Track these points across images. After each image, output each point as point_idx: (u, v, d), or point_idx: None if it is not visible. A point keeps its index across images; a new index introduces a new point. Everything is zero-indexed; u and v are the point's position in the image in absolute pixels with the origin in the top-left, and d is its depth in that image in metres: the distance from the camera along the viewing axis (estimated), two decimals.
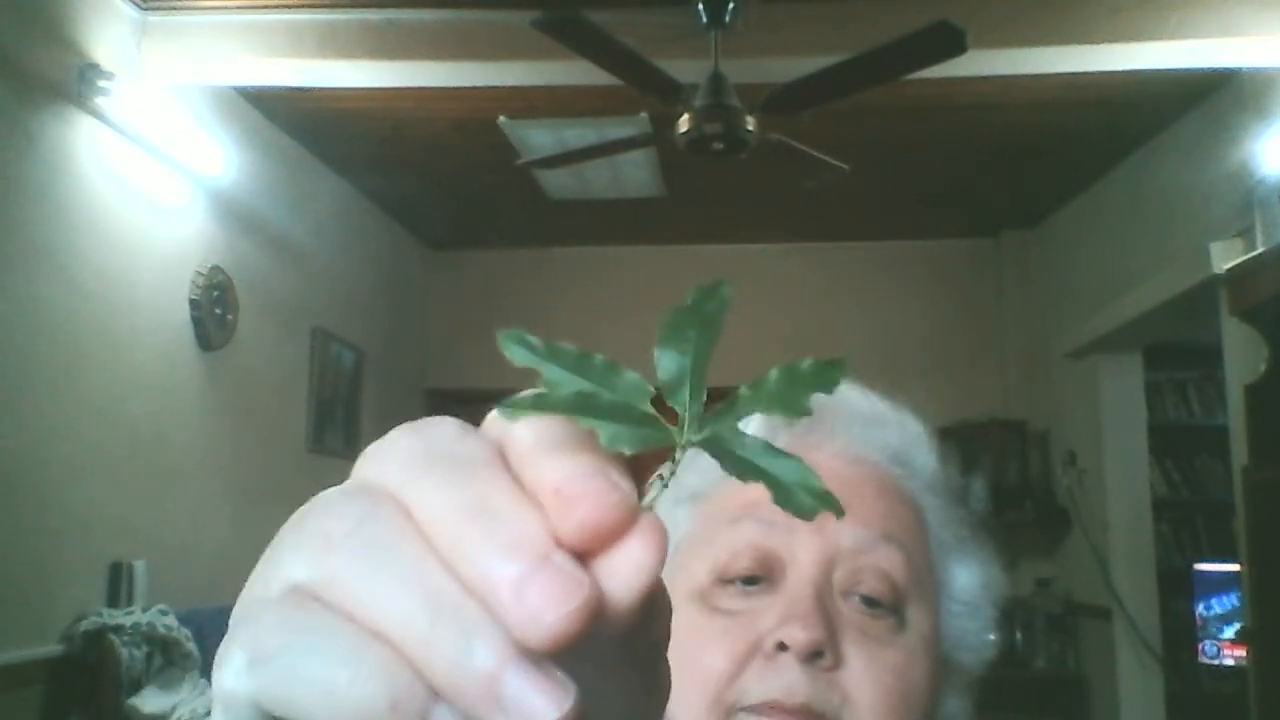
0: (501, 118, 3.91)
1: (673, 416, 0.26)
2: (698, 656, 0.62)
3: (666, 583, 0.71)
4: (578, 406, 0.24)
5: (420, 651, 0.21)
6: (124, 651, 2.83)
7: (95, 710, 2.77)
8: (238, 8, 3.19)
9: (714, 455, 0.25)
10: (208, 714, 0.27)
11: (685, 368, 0.26)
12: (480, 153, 4.27)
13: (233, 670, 0.23)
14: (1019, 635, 4.80)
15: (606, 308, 5.43)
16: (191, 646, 3.01)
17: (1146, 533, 4.58)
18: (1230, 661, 4.30)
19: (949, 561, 0.68)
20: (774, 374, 0.26)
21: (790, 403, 0.26)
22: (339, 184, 4.69)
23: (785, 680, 0.58)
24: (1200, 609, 4.49)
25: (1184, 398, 5.45)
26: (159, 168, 3.30)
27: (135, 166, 3.19)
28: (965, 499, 0.71)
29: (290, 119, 4.04)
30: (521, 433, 0.24)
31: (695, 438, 0.25)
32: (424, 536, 0.23)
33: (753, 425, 0.70)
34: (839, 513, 0.25)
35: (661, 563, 0.23)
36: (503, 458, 0.24)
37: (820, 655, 0.59)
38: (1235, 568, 3.57)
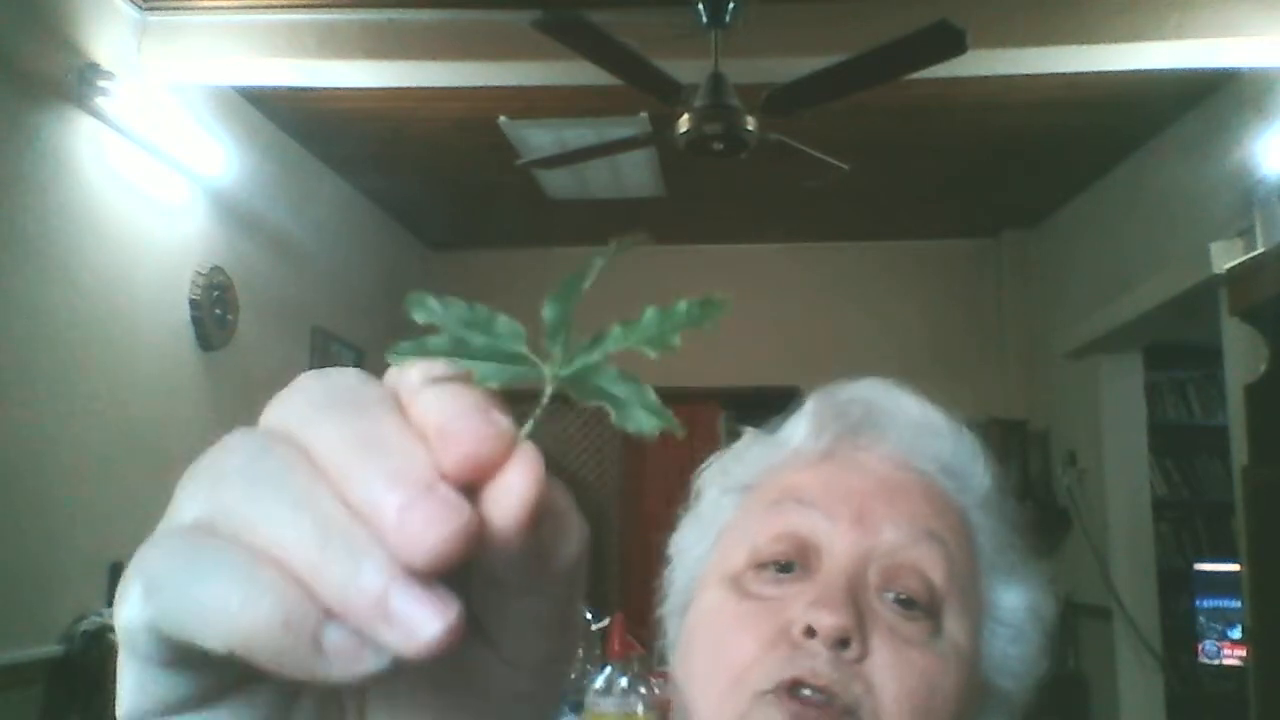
0: (501, 118, 3.91)
1: None
2: (724, 640, 0.61)
3: (704, 573, 0.66)
4: (454, 349, 0.27)
5: (311, 573, 0.23)
6: None
7: (95, 710, 2.77)
8: (238, 8, 3.19)
9: (570, 386, 0.28)
10: None
11: (560, 314, 0.29)
12: (480, 153, 4.27)
13: (129, 601, 0.24)
14: None
15: (607, 308, 5.40)
16: None
17: (1146, 533, 4.58)
18: (1230, 661, 4.30)
19: (996, 582, 0.65)
20: (648, 313, 0.28)
21: (659, 340, 0.28)
22: (339, 184, 4.69)
23: (810, 664, 0.57)
24: (1200, 609, 4.49)
25: (1184, 398, 5.45)
26: (159, 168, 3.30)
27: (135, 166, 3.19)
28: (1019, 520, 0.68)
29: (290, 119, 4.04)
30: (411, 376, 0.26)
31: (560, 372, 0.27)
32: (317, 469, 0.24)
33: (803, 423, 0.68)
34: (678, 430, 0.27)
35: (538, 490, 0.25)
36: (395, 401, 0.26)
37: (847, 644, 0.57)
38: (1235, 568, 3.57)
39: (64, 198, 2.88)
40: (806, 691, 0.57)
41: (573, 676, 1.67)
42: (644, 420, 0.27)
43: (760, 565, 0.63)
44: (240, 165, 3.71)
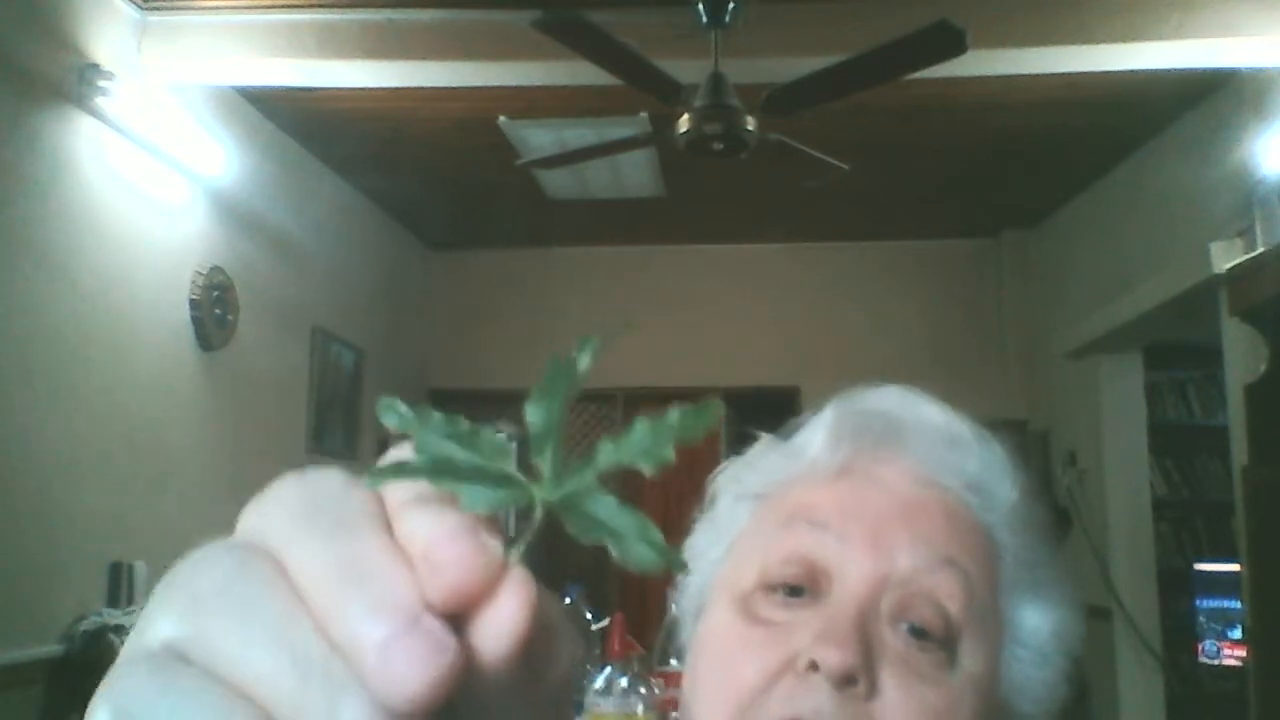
0: (501, 118, 3.91)
1: None
2: (729, 665, 0.59)
3: (717, 581, 0.65)
4: (436, 471, 0.25)
5: (287, 712, 0.22)
6: None
7: None
8: (238, 8, 3.19)
9: (563, 514, 0.26)
10: None
11: (547, 423, 0.26)
12: (480, 153, 4.27)
13: None
14: None
15: (607, 308, 5.44)
16: None
17: (1146, 533, 4.59)
18: (1230, 661, 4.30)
19: (1020, 603, 0.62)
20: (638, 425, 0.26)
21: (653, 454, 0.26)
22: (339, 184, 4.69)
23: (813, 702, 0.55)
24: (1200, 609, 4.49)
25: (1184, 398, 5.45)
26: (159, 168, 3.30)
27: (135, 166, 3.19)
28: (1047, 535, 0.65)
29: (290, 119, 4.04)
30: (397, 491, 0.25)
31: (551, 496, 0.26)
32: (296, 594, 0.23)
33: (820, 434, 0.64)
34: (680, 568, 0.25)
35: (531, 621, 0.23)
36: (382, 514, 0.25)
37: (853, 682, 0.55)
38: (1235, 568, 3.57)
39: (64, 198, 2.88)
40: None
41: None
42: (647, 557, 0.25)
43: (770, 587, 0.60)
44: (240, 165, 3.71)
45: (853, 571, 0.59)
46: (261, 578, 0.23)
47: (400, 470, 0.25)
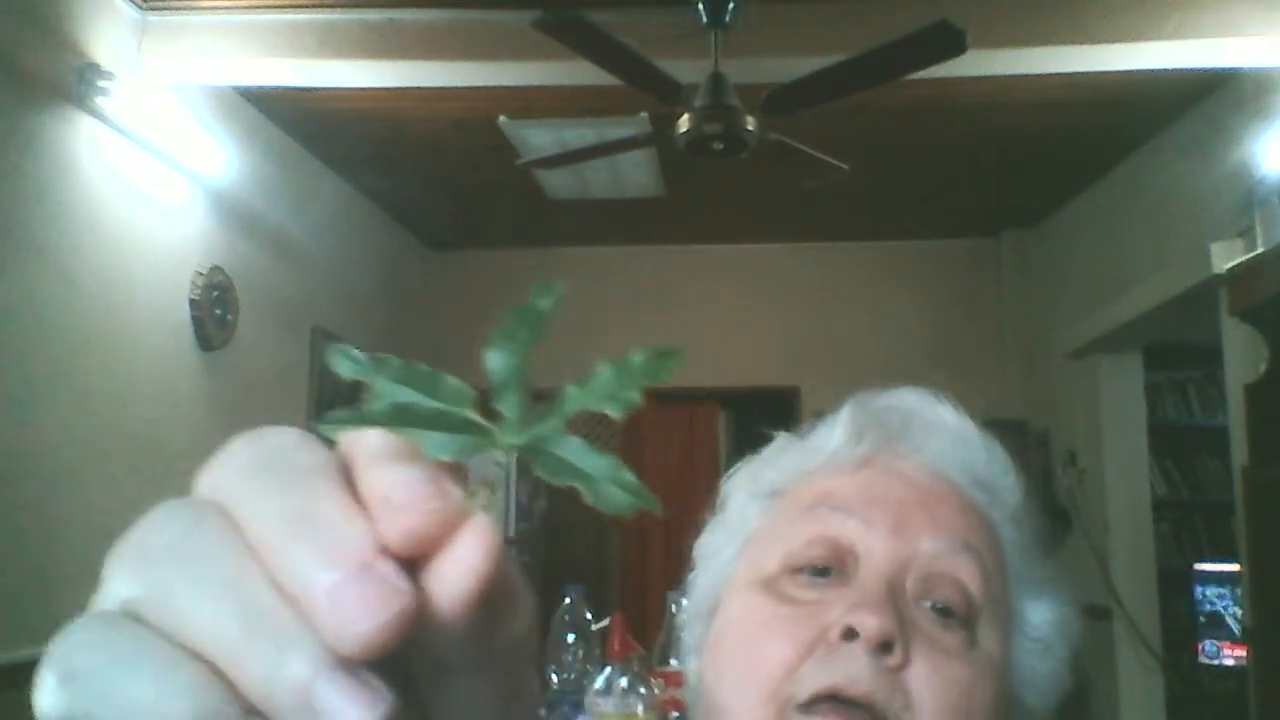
0: (501, 118, 3.91)
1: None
2: (759, 644, 0.59)
3: (731, 578, 0.66)
4: (396, 417, 0.24)
5: (233, 664, 0.22)
6: None
7: None
8: (238, 8, 3.19)
9: (531, 458, 0.25)
10: None
11: (510, 369, 0.26)
12: (480, 153, 4.27)
13: (44, 690, 0.23)
14: None
15: (606, 308, 5.44)
16: None
17: (1146, 533, 4.58)
18: (1230, 661, 4.30)
19: (1024, 595, 0.65)
20: (604, 369, 0.26)
21: (618, 397, 0.26)
22: (339, 184, 4.69)
23: (848, 670, 0.55)
24: (1200, 608, 4.49)
25: (1184, 398, 5.44)
26: (159, 168, 3.30)
27: (135, 166, 3.19)
28: (1044, 539, 0.69)
29: (290, 119, 4.04)
30: (360, 442, 0.25)
31: (516, 440, 0.25)
32: (248, 546, 0.23)
33: (839, 430, 0.66)
34: (655, 508, 0.25)
35: (491, 565, 0.23)
36: (337, 467, 0.24)
37: (889, 649, 0.55)
38: (1235, 568, 3.57)
39: (64, 198, 2.88)
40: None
41: (572, 677, 1.67)
42: (619, 498, 0.25)
43: (795, 569, 0.61)
44: (240, 165, 3.71)
45: (878, 552, 0.60)
46: (212, 533, 0.23)
47: (357, 417, 0.24)
